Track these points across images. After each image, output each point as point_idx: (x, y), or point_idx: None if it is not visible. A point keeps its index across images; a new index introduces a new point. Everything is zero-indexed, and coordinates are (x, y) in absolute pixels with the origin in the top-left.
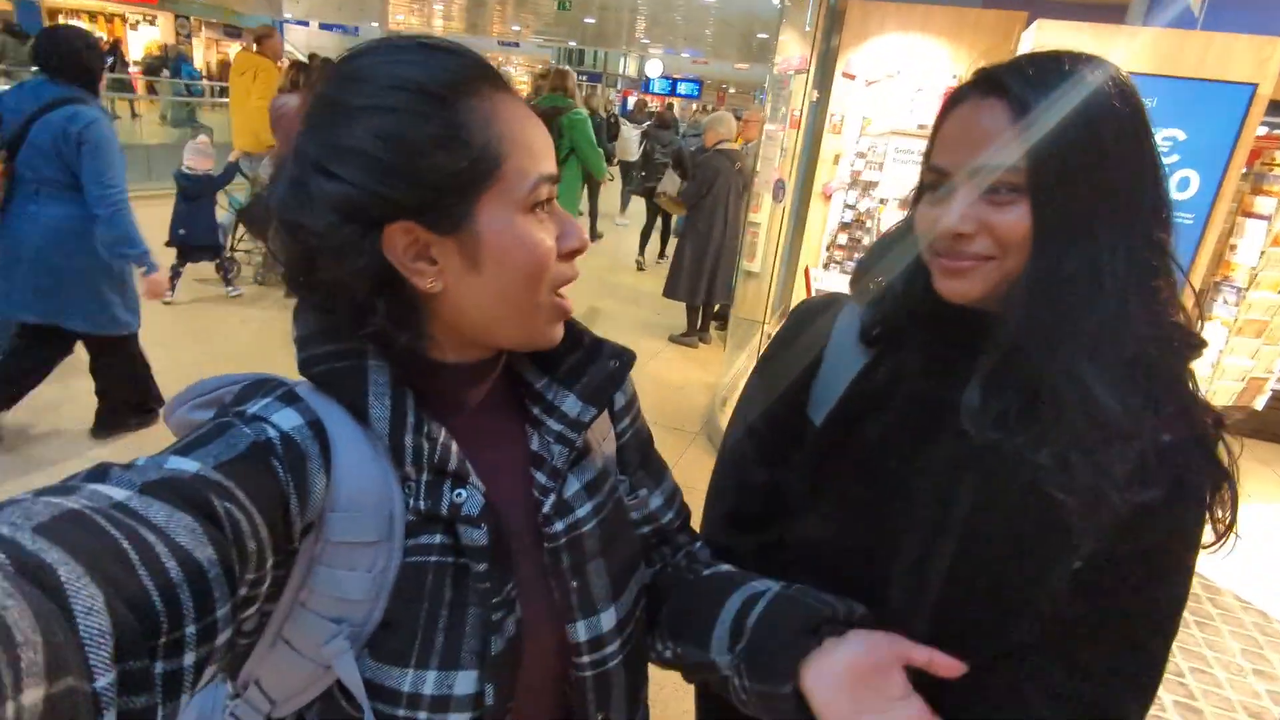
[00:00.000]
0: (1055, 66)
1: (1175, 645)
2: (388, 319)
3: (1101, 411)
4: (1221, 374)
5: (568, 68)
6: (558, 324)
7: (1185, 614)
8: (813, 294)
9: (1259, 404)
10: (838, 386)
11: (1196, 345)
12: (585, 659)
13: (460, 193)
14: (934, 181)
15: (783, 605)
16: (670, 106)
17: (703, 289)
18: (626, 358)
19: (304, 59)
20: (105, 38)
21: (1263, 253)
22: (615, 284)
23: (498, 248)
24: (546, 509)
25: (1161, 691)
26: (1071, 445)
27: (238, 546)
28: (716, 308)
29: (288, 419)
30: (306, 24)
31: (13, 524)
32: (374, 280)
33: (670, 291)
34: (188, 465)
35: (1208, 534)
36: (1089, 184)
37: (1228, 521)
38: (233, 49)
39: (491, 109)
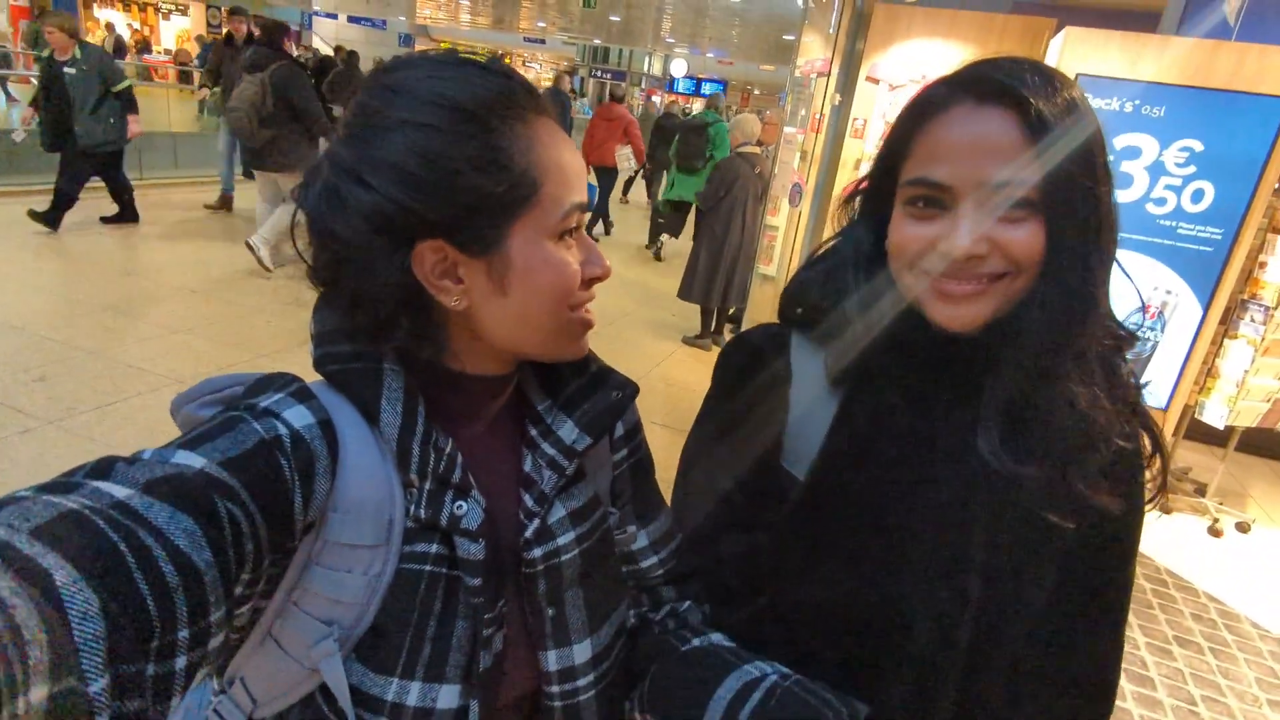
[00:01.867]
0: (1047, 76)
1: (1188, 672)
2: (410, 335)
3: (1088, 424)
4: (1247, 394)
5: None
6: (581, 338)
7: (1199, 640)
8: None
9: None
10: (814, 433)
11: (1134, 341)
12: (555, 689)
13: (494, 215)
14: (922, 196)
15: (783, 701)
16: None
17: (717, 291)
18: (629, 390)
19: (330, 52)
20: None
21: None
22: (630, 282)
23: (526, 271)
24: (528, 534)
25: None
26: (1064, 462)
27: (236, 548)
28: (731, 310)
29: (299, 416)
30: (335, 17)
31: (10, 526)
32: (400, 295)
33: (685, 293)
34: (194, 460)
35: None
36: (1090, 199)
37: (1160, 479)
38: None
39: (532, 134)
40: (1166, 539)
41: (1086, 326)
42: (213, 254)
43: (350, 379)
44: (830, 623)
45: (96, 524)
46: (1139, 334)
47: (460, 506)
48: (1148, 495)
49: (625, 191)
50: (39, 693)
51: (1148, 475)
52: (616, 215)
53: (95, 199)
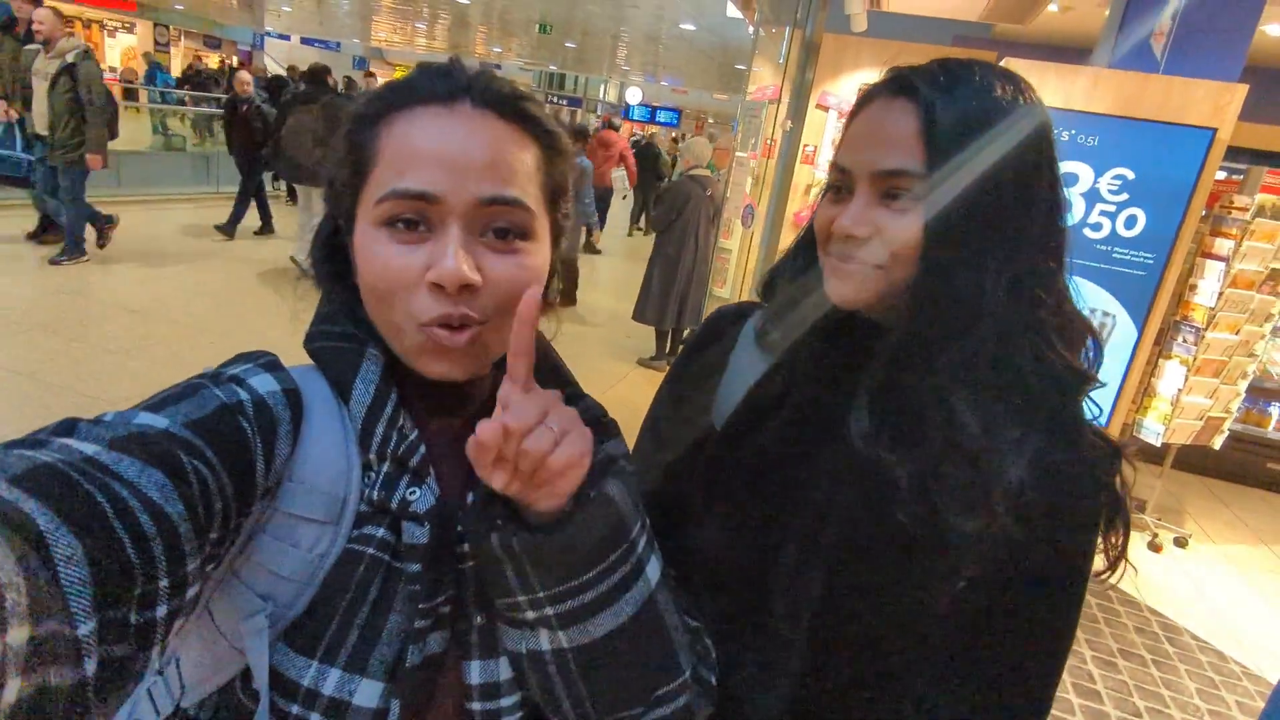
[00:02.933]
0: (968, 75)
1: (1133, 684)
2: (329, 287)
3: (963, 436)
4: (1181, 413)
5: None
6: (435, 359)
7: (1143, 653)
8: None
9: (1217, 443)
10: (739, 392)
11: (1085, 379)
12: (477, 706)
13: (341, 197)
14: (835, 180)
15: None
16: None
17: (672, 313)
18: (594, 411)
19: (283, 72)
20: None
21: (1221, 293)
22: (585, 304)
23: (357, 257)
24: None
25: None
26: (930, 468)
27: (205, 503)
28: (686, 332)
29: (264, 384)
30: (288, 38)
31: None
32: (324, 254)
33: (639, 315)
34: (157, 422)
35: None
36: (981, 202)
37: (1119, 550)
38: (212, 60)
39: (392, 121)
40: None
41: (970, 334)
42: (153, 273)
43: (332, 356)
44: (709, 575)
45: (71, 476)
46: (1084, 374)
47: (413, 492)
48: (1101, 561)
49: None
50: (19, 634)
51: (1101, 542)
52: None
53: (16, 214)
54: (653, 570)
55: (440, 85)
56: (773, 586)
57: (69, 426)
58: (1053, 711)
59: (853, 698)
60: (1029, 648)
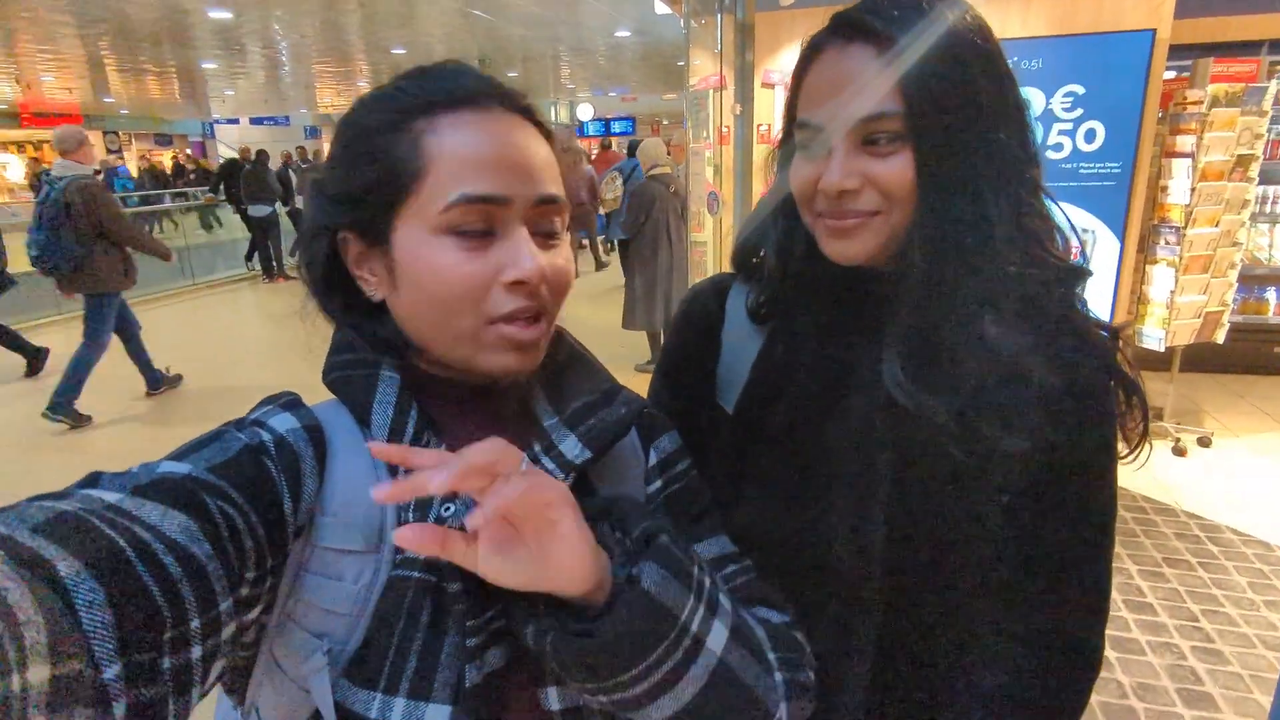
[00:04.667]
0: (914, 4)
1: (1183, 590)
2: (341, 313)
3: (999, 362)
4: (1178, 314)
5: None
6: (506, 354)
7: (1188, 557)
8: None
9: (1220, 337)
10: (742, 369)
11: (1080, 275)
12: None
13: (376, 206)
14: (806, 139)
15: None
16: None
17: (659, 315)
18: (636, 405)
19: (235, 154)
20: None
21: (1193, 189)
22: (569, 318)
23: (409, 268)
24: None
25: (1179, 639)
26: (971, 399)
27: (234, 543)
28: None
29: (284, 422)
30: (236, 121)
31: (8, 524)
32: (325, 275)
33: (628, 323)
34: (179, 468)
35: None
36: (966, 125)
37: (1139, 431)
38: (166, 157)
39: (430, 126)
40: (1135, 466)
41: (985, 258)
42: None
43: (348, 384)
44: (760, 551)
45: (93, 523)
46: (1078, 270)
47: (448, 508)
48: (1127, 446)
49: None
50: (39, 673)
51: (1130, 423)
52: None
53: None
54: (716, 639)
55: (465, 86)
56: (835, 548)
57: (93, 479)
58: (1107, 630)
59: (932, 637)
60: (1080, 543)
